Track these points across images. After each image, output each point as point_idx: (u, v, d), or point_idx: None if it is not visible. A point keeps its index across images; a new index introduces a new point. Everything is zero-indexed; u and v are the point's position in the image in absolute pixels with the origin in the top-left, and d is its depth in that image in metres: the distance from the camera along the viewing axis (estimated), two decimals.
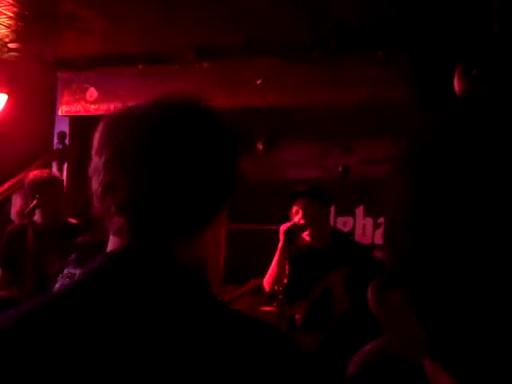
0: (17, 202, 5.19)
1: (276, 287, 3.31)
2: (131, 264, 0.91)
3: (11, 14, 4.41)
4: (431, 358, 0.96)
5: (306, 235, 3.43)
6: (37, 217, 3.74)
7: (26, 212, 3.66)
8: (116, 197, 0.93)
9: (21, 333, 0.85)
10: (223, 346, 0.86)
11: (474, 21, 3.76)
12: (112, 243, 0.96)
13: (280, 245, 3.40)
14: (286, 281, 3.26)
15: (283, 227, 3.40)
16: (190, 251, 0.96)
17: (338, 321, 3.24)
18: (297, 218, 3.42)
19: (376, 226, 5.73)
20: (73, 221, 3.84)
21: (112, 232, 0.96)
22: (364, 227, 5.72)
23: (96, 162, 0.96)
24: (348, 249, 3.44)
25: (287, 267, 3.30)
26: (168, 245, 0.93)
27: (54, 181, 3.76)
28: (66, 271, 2.53)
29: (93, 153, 0.98)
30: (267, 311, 4.18)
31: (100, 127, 0.99)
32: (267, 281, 3.51)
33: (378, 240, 5.65)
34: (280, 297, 3.19)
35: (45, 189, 3.64)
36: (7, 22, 4.54)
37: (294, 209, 3.45)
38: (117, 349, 0.84)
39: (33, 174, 3.76)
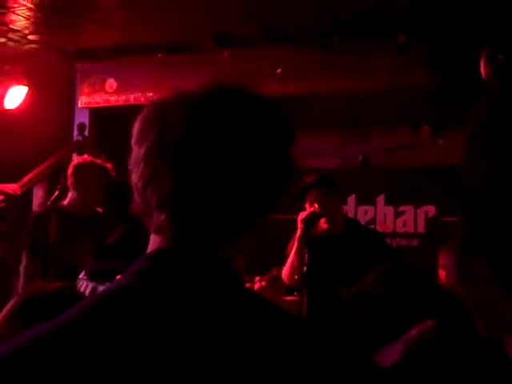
0: (38, 194, 5.21)
1: (296, 276, 3.31)
2: (178, 269, 0.84)
3: (31, 6, 4.41)
4: None
5: (323, 223, 3.43)
6: (67, 201, 3.72)
7: (50, 200, 3.66)
8: (157, 190, 0.85)
9: (68, 345, 0.77)
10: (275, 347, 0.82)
11: (498, 4, 3.68)
12: (153, 242, 0.88)
13: (298, 233, 3.37)
14: (305, 269, 3.26)
15: (301, 216, 3.38)
16: (234, 250, 0.89)
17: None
18: (312, 208, 3.41)
19: (397, 215, 5.68)
20: (100, 210, 3.82)
21: (152, 230, 0.88)
22: (385, 216, 5.68)
23: (136, 152, 0.88)
24: (363, 235, 3.47)
25: (306, 256, 3.30)
26: (214, 245, 0.86)
27: (91, 166, 3.71)
28: None
29: (132, 143, 0.90)
30: (289, 301, 4.17)
31: (142, 115, 0.90)
32: (287, 272, 3.47)
33: (400, 228, 5.60)
34: (300, 285, 3.20)
35: (81, 172, 3.63)
36: (27, 13, 4.54)
37: (309, 200, 3.44)
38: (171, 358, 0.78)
39: (75, 160, 3.79)
